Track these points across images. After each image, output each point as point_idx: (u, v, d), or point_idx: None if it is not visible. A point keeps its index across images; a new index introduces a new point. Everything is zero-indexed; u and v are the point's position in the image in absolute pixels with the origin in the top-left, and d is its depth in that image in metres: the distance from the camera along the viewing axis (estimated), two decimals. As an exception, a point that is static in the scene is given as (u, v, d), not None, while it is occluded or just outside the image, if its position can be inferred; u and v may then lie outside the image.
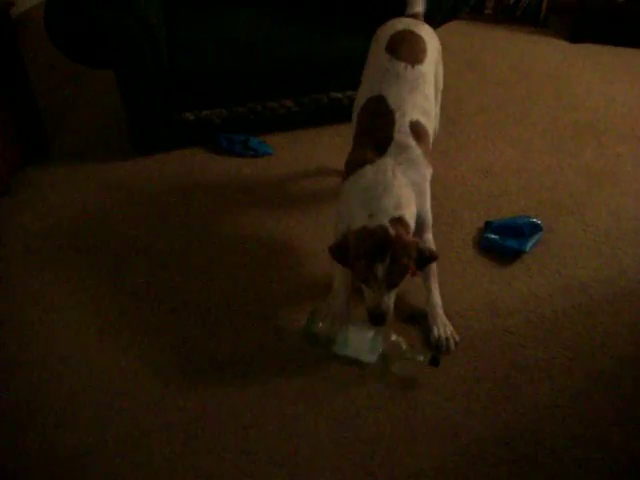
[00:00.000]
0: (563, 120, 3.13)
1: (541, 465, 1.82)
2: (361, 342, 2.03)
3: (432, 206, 2.43)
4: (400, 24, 2.35)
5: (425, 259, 1.95)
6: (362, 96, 2.25)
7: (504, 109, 3.22)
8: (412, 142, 2.04)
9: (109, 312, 2.24)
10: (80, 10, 2.55)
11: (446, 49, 3.28)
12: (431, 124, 2.21)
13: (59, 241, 2.53)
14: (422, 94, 2.17)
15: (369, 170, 1.99)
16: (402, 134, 2.04)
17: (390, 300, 1.92)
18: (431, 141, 2.21)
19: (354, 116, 2.34)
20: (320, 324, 2.06)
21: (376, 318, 1.92)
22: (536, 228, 2.49)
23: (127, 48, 2.65)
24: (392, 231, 1.86)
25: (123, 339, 2.15)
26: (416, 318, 2.19)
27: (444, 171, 2.81)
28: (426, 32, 2.35)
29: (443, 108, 2.97)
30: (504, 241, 2.44)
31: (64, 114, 3.24)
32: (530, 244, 2.44)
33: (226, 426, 1.91)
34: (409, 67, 2.18)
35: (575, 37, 3.83)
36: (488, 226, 2.52)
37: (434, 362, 2.01)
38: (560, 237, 2.51)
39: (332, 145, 3.00)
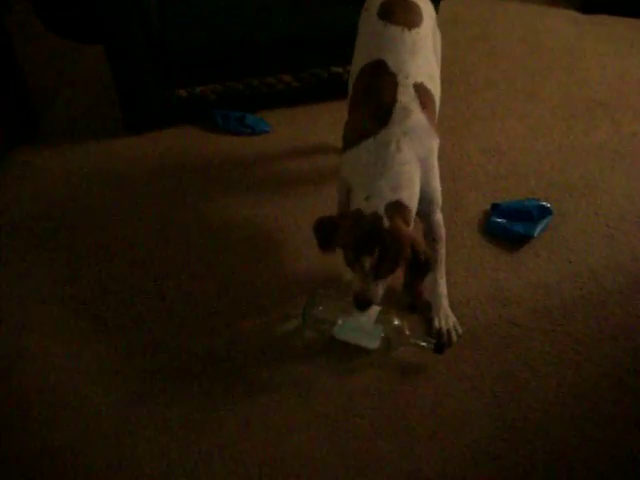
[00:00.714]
0: (575, 96, 2.98)
1: (548, 467, 1.72)
2: (362, 326, 1.94)
3: None
4: None
5: (420, 264, 1.78)
6: (357, 65, 2.09)
7: (513, 84, 3.06)
8: (417, 107, 1.87)
9: (91, 306, 2.15)
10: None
11: (453, 21, 3.15)
12: (437, 90, 2.06)
13: (46, 226, 2.43)
14: (424, 57, 2.02)
15: (371, 143, 1.82)
16: (406, 96, 1.87)
17: (378, 287, 1.78)
18: (437, 110, 2.06)
19: (350, 89, 2.17)
20: (320, 307, 1.96)
21: (359, 303, 1.79)
22: (545, 212, 2.37)
23: (117, 21, 2.52)
24: (386, 222, 1.72)
25: (108, 333, 2.06)
26: (416, 308, 2.08)
27: (449, 149, 2.68)
28: None
29: (449, 82, 2.84)
30: (511, 225, 2.32)
31: (53, 92, 3.10)
32: (539, 229, 2.31)
33: (217, 423, 1.82)
34: (406, 30, 2.01)
35: (587, 8, 3.64)
36: (495, 209, 2.39)
37: (438, 349, 1.91)
38: (570, 221, 2.39)
39: (333, 122, 2.86)
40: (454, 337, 1.99)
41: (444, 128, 2.76)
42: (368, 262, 1.71)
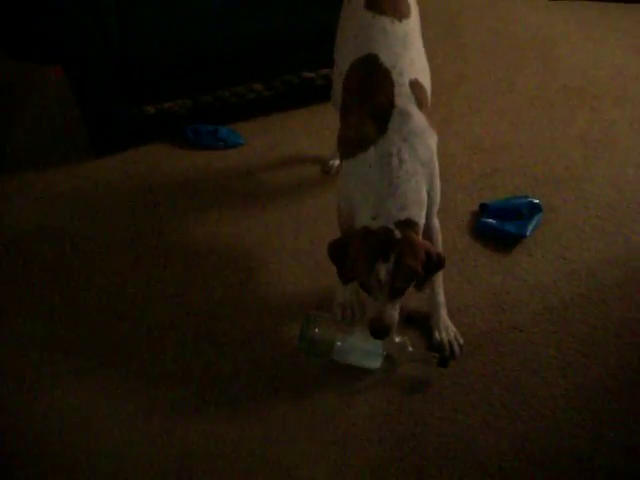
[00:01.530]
0: (551, 86, 2.93)
1: (566, 477, 1.67)
2: (363, 347, 1.86)
3: None
4: None
5: (433, 264, 1.71)
6: (345, 61, 1.95)
7: (487, 77, 3.00)
8: (415, 109, 1.76)
9: (66, 335, 2.04)
10: (21, 4, 2.29)
11: (421, 16, 3.05)
12: (428, 82, 1.96)
13: (11, 261, 2.30)
14: (416, 50, 1.92)
15: (371, 155, 1.71)
16: (404, 98, 1.76)
17: (394, 311, 1.71)
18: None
19: (337, 88, 2.04)
20: (316, 329, 1.88)
21: (378, 331, 1.70)
22: (535, 208, 2.31)
23: (76, 40, 2.39)
24: (398, 233, 1.64)
25: (85, 360, 1.96)
26: (414, 320, 2.01)
27: (430, 150, 2.61)
28: None
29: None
30: (502, 225, 2.26)
31: (13, 117, 2.95)
32: (531, 227, 2.26)
33: (218, 456, 1.73)
34: (396, 21, 1.90)
35: (554, -7, 3.61)
36: (484, 209, 2.33)
37: (443, 363, 1.84)
38: (561, 216, 2.33)
39: (307, 129, 2.78)
40: (456, 349, 1.92)
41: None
42: (384, 271, 1.62)
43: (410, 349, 1.86)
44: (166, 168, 2.65)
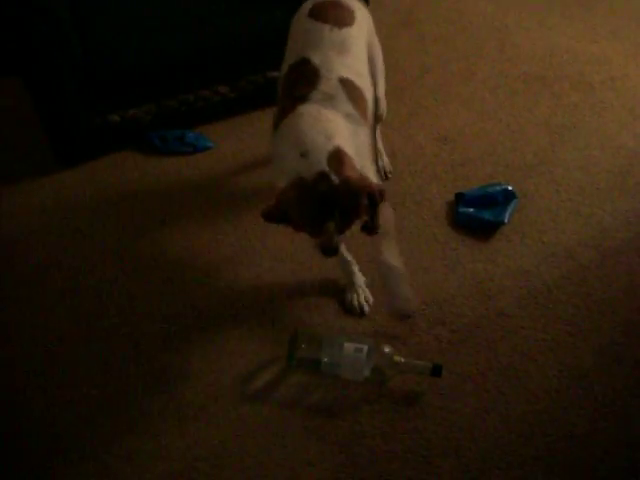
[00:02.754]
0: (511, 73, 2.98)
1: (569, 457, 1.70)
2: (350, 359, 1.83)
3: (394, 182, 2.40)
4: None
5: (375, 202, 1.68)
6: (285, 65, 2.02)
7: (449, 67, 3.04)
8: (342, 94, 1.81)
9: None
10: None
11: (376, 10, 3.07)
12: (368, 90, 1.97)
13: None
14: (354, 56, 1.94)
15: (293, 116, 1.76)
16: (329, 87, 1.81)
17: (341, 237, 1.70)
18: (369, 114, 1.98)
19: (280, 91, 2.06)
20: (303, 345, 1.86)
21: (326, 250, 1.68)
22: (510, 195, 2.35)
23: (34, 50, 2.32)
24: (335, 178, 1.60)
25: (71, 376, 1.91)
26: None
27: (401, 143, 2.63)
28: (354, 3, 2.10)
29: (386, 73, 2.80)
30: (480, 213, 2.29)
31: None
32: (508, 214, 2.29)
33: (223, 457, 1.71)
34: (335, 29, 1.94)
35: (501, -18, 3.66)
36: (459, 199, 2.36)
37: (436, 373, 1.82)
38: (535, 201, 2.38)
39: (275, 129, 2.76)
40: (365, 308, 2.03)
41: (390, 121, 2.71)
42: (332, 227, 1.62)
43: (400, 360, 1.84)
44: (135, 177, 2.60)
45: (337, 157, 1.65)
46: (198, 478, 1.68)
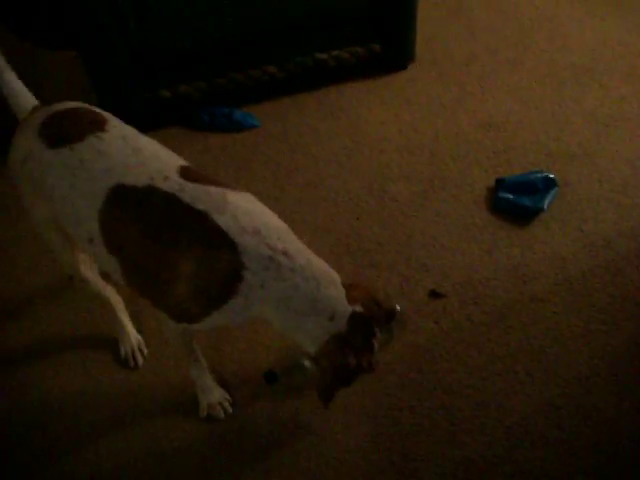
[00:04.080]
0: (560, 63, 2.96)
1: (594, 442, 1.72)
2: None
3: (438, 168, 2.40)
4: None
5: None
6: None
7: (497, 56, 3.03)
8: None
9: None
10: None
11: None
12: None
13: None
14: None
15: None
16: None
17: None
18: None
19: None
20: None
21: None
22: (551, 183, 2.35)
23: (91, 25, 2.41)
24: (359, 308, 1.48)
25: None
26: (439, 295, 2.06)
27: (444, 128, 2.65)
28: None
29: (432, 60, 2.87)
30: (519, 199, 2.30)
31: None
32: (547, 201, 2.30)
33: (253, 425, 1.77)
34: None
35: (556, -28, 3.63)
36: (500, 184, 2.37)
37: (270, 379, 1.75)
38: (576, 190, 2.38)
39: (320, 110, 2.80)
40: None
41: (437, 106, 2.74)
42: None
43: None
44: (182, 151, 2.60)
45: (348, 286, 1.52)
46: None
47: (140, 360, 1.92)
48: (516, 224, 2.27)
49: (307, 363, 1.74)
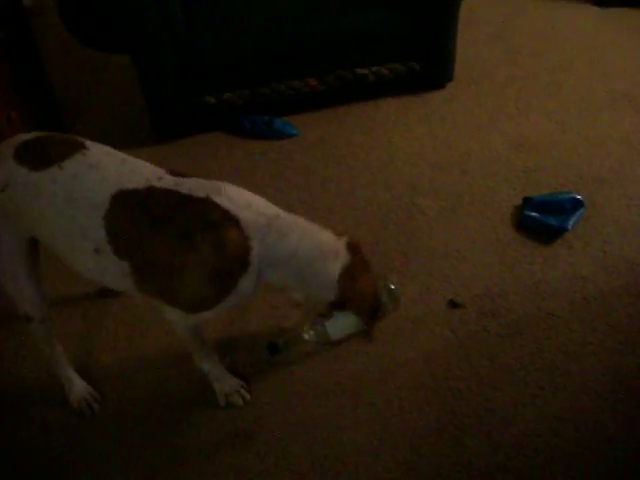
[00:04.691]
0: (598, 89, 2.99)
1: (600, 456, 1.73)
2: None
3: (467, 184, 2.42)
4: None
5: None
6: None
7: (535, 79, 3.08)
8: None
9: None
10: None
11: (470, 20, 3.18)
12: None
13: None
14: None
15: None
16: None
17: None
18: None
19: None
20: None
21: None
22: (578, 204, 2.38)
23: (144, 32, 2.55)
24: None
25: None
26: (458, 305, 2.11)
27: (477, 146, 2.71)
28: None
29: (471, 80, 2.90)
30: (545, 218, 2.34)
31: (81, 102, 3.15)
32: (572, 221, 2.33)
33: (264, 417, 1.84)
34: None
35: (604, 1, 3.67)
36: (527, 203, 2.41)
37: (272, 350, 1.93)
38: (603, 213, 2.40)
39: (358, 123, 2.90)
40: None
41: (470, 125, 2.80)
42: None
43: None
44: (222, 155, 2.80)
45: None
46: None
47: (96, 406, 1.88)
48: (540, 242, 2.31)
49: (306, 336, 1.90)
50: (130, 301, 2.15)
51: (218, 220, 1.50)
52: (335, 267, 1.62)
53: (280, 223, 1.58)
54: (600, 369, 1.92)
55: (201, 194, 1.53)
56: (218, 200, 1.52)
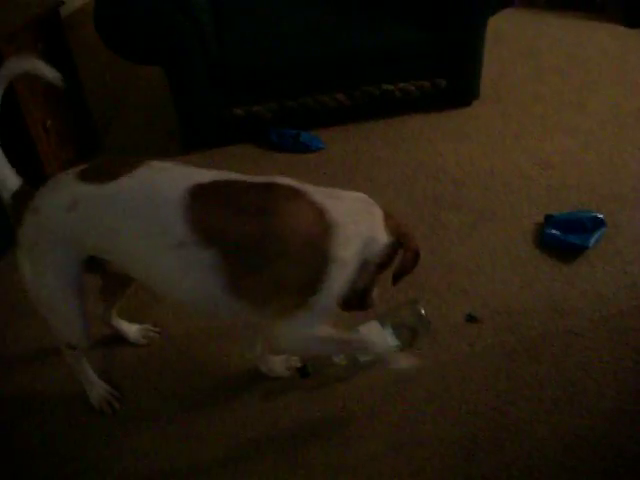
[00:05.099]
0: (624, 108, 3.00)
1: (612, 473, 1.74)
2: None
3: (489, 201, 2.40)
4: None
5: None
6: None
7: (561, 98, 3.11)
8: None
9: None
10: (129, 7, 2.55)
11: (497, 38, 3.22)
12: None
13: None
14: None
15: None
16: None
17: None
18: None
19: None
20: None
21: None
22: (599, 223, 2.40)
23: (177, 45, 2.63)
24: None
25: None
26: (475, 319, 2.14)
27: (500, 163, 2.74)
28: None
29: (497, 98, 2.92)
30: (566, 236, 2.36)
31: (115, 111, 3.25)
32: (593, 239, 2.35)
33: (277, 428, 1.88)
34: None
35: (632, 22, 3.68)
36: (548, 220, 2.43)
37: (303, 374, 1.96)
38: (625, 232, 2.41)
39: (384, 138, 2.94)
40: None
41: (495, 143, 2.83)
42: None
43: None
44: (249, 167, 2.86)
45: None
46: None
47: (117, 405, 1.93)
48: (560, 260, 2.33)
49: (336, 359, 1.91)
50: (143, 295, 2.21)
51: (294, 194, 1.56)
52: (377, 213, 1.68)
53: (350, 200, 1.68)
54: (616, 387, 1.93)
55: (269, 179, 1.59)
56: (291, 182, 1.59)
